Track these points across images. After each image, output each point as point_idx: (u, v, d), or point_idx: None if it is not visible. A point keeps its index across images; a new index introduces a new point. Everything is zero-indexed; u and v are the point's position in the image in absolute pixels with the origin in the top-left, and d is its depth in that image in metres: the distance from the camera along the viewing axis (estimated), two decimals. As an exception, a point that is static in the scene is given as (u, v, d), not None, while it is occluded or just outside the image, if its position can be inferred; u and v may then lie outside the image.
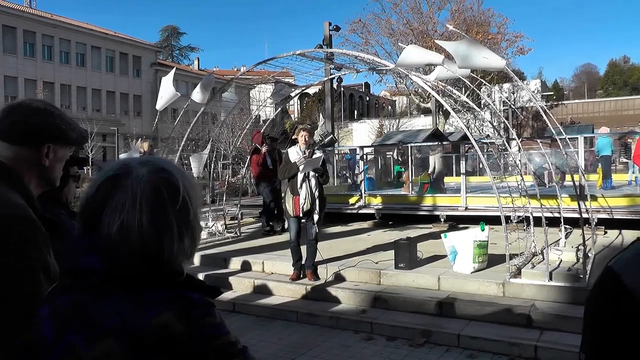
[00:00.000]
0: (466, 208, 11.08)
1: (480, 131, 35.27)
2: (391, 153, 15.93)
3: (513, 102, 40.01)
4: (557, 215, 7.76)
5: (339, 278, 7.17)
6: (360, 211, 12.22)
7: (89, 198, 1.14)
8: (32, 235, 1.42)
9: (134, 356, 1.04)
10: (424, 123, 41.65)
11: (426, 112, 43.11)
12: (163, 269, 1.11)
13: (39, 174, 1.66)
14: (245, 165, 13.31)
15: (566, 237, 7.75)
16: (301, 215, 6.97)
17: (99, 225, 1.10)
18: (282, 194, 7.31)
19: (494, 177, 7.11)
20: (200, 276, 7.57)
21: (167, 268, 1.11)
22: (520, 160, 9.69)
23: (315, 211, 6.96)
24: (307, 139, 7.09)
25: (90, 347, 1.05)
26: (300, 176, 6.91)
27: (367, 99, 70.05)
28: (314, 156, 7.00)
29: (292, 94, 13.88)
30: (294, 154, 7.01)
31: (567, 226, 7.87)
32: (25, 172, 1.62)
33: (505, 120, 12.56)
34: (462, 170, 11.98)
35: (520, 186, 7.59)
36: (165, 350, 1.06)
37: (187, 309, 1.09)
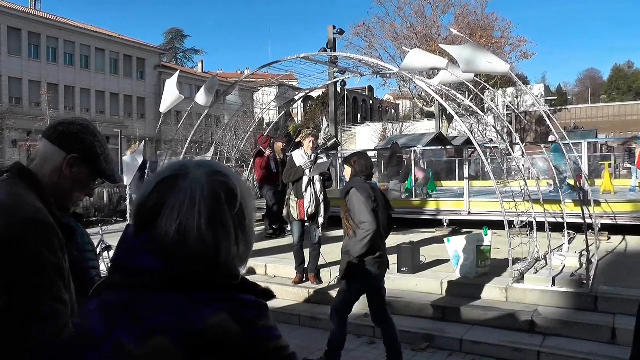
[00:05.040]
0: (469, 213, 11.07)
1: (484, 135, 35.23)
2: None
3: (516, 107, 39.96)
4: (560, 220, 7.74)
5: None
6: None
7: (145, 198, 1.14)
8: (49, 239, 1.44)
9: (186, 355, 1.04)
10: (427, 127, 41.62)
11: (430, 116, 43.13)
12: (219, 272, 1.10)
13: (58, 183, 1.69)
14: (249, 168, 13.33)
15: (569, 243, 7.74)
16: (306, 218, 6.97)
17: (155, 225, 1.10)
18: (287, 197, 7.30)
19: (497, 182, 7.11)
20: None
21: (222, 271, 1.11)
22: (523, 165, 9.69)
23: (320, 214, 6.97)
24: (313, 144, 7.10)
25: (140, 344, 1.04)
26: (305, 180, 6.92)
27: (371, 102, 70.02)
28: (321, 161, 7.01)
29: (296, 97, 13.90)
30: (299, 157, 7.01)
31: (571, 231, 7.85)
32: (48, 176, 1.67)
33: (509, 125, 12.57)
34: (465, 174, 11.97)
35: (523, 191, 7.58)
36: (217, 350, 1.05)
37: (241, 310, 1.09)
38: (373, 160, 15.83)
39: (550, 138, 13.41)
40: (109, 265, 1.20)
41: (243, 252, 1.15)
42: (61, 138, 1.71)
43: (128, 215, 11.01)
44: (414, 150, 13.94)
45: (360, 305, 6.56)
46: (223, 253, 1.10)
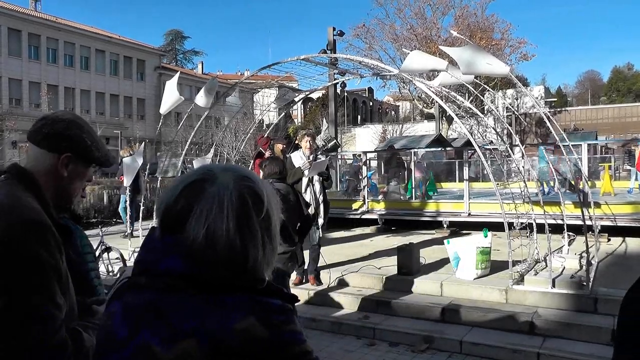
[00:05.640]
0: (469, 214, 11.07)
1: (484, 137, 35.29)
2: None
3: (516, 108, 39.96)
4: (560, 222, 7.74)
5: (341, 283, 7.16)
6: (363, 216, 12.22)
7: (171, 202, 1.14)
8: (46, 240, 1.44)
9: (213, 359, 1.04)
10: (427, 129, 41.60)
11: (429, 117, 43.16)
12: (246, 276, 1.11)
13: (56, 184, 1.67)
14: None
15: (569, 244, 7.73)
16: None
17: (182, 229, 1.10)
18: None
19: (497, 184, 7.11)
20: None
21: (249, 275, 1.12)
22: (523, 167, 9.69)
23: (320, 215, 6.95)
24: (310, 144, 7.08)
25: (168, 348, 1.05)
26: (304, 181, 6.90)
27: (371, 104, 70.01)
28: (318, 160, 7.00)
29: (296, 99, 13.87)
30: (298, 158, 7.01)
31: (571, 233, 7.85)
32: (43, 177, 1.64)
33: (509, 127, 12.56)
34: (465, 176, 11.97)
35: (523, 193, 7.58)
36: (244, 354, 1.05)
37: (269, 314, 1.09)
38: (373, 162, 15.92)
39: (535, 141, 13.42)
40: (133, 266, 1.20)
41: (269, 256, 1.16)
42: (48, 140, 1.67)
43: (128, 217, 11.02)
44: (413, 152, 13.93)
45: (360, 307, 6.58)
46: (251, 258, 1.11)
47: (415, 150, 15.18)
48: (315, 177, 6.95)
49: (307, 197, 6.90)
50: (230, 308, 1.06)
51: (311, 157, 6.98)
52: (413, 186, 12.83)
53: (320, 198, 6.97)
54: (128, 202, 11.32)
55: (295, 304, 1.18)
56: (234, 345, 1.05)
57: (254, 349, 1.06)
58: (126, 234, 10.80)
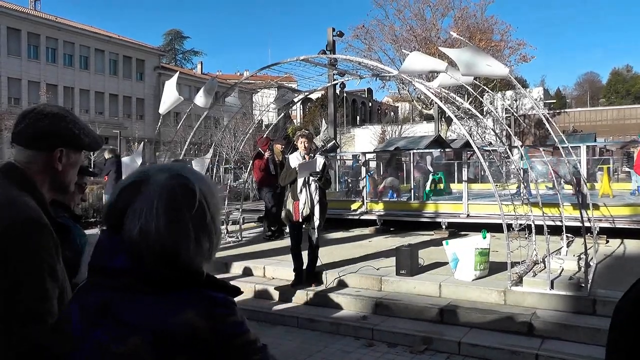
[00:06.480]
0: (468, 215, 11.07)
1: (483, 138, 35.30)
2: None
3: (515, 110, 40.03)
4: (559, 223, 7.74)
5: (340, 284, 7.15)
6: (362, 217, 12.21)
7: (112, 203, 1.20)
8: (43, 239, 1.44)
9: (160, 354, 1.08)
10: (426, 130, 41.69)
11: (429, 118, 43.18)
12: (182, 270, 1.14)
13: (51, 178, 1.67)
14: (248, 170, 13.33)
15: (568, 246, 7.74)
16: (301, 220, 6.95)
17: (123, 228, 1.15)
18: (285, 199, 7.30)
19: (496, 185, 7.11)
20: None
21: (186, 269, 1.15)
22: (522, 168, 9.70)
23: (315, 216, 6.94)
24: (305, 144, 7.07)
25: (117, 345, 1.09)
26: (300, 181, 6.89)
27: (370, 104, 70.06)
28: (311, 159, 6.98)
29: (295, 99, 13.87)
30: (295, 160, 7.02)
31: (569, 235, 7.86)
32: (38, 176, 1.63)
33: (508, 128, 12.56)
34: (464, 177, 11.97)
35: (522, 194, 7.58)
36: (189, 348, 1.09)
37: (211, 307, 1.13)
38: (372, 162, 15.94)
39: (518, 143, 13.41)
40: (88, 267, 1.24)
41: (207, 250, 1.19)
42: (35, 141, 1.65)
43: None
44: (420, 154, 13.93)
45: (358, 308, 6.58)
46: (183, 252, 1.14)
47: (426, 151, 15.17)
48: (311, 178, 6.94)
49: (302, 197, 6.90)
50: (173, 303, 1.11)
51: (307, 158, 6.98)
52: (412, 187, 12.83)
53: (316, 199, 6.95)
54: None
55: (238, 296, 1.22)
56: (177, 339, 1.09)
57: (198, 342, 1.10)
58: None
